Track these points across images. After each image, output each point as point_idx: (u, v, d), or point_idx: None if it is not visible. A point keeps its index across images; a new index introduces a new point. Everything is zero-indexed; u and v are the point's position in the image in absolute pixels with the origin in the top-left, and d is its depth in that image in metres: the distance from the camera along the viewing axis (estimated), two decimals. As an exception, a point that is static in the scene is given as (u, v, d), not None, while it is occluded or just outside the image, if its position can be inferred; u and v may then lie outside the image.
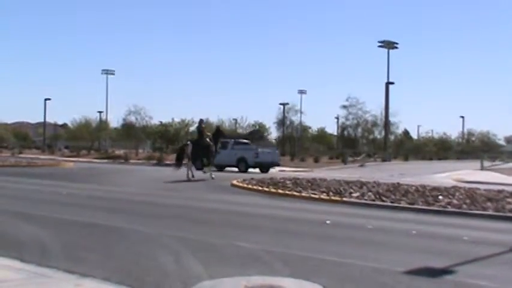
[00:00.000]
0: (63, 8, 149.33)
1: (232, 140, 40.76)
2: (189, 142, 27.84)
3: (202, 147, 27.03)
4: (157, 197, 18.01)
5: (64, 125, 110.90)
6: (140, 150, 78.52)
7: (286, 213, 14.38)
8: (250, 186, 21.31)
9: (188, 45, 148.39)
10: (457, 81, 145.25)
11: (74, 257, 8.31)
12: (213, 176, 26.39)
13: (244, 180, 23.59)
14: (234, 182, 23.02)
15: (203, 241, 9.79)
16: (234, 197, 18.73)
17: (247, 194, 19.52)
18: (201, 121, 30.08)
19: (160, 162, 46.89)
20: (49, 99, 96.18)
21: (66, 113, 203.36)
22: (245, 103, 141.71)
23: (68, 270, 7.38)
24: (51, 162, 45.06)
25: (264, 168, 37.98)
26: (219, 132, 29.38)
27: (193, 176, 26.00)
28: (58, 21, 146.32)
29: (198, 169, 27.93)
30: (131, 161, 53.24)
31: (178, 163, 27.49)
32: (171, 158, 51.50)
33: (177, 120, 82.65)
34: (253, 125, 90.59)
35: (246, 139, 45.33)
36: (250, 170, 36.62)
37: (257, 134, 60.10)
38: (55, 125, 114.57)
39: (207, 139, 27.53)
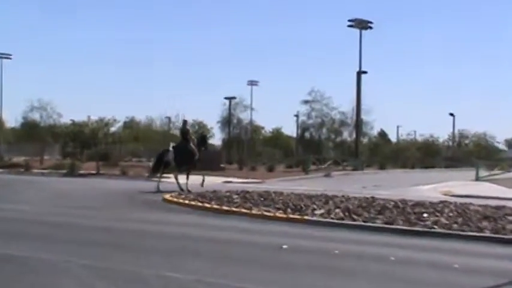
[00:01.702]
0: None
1: None
2: (171, 148, 28.40)
3: (185, 153, 27.74)
4: (69, 217, 17.75)
5: None
6: (46, 157, 77.38)
7: (231, 235, 14.35)
8: (187, 201, 21.23)
9: (109, 25, 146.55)
10: (447, 71, 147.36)
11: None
12: (190, 188, 26.53)
13: (179, 194, 23.49)
14: (167, 196, 22.89)
15: (125, 271, 9.70)
16: (167, 215, 18.62)
17: (183, 212, 19.43)
18: (185, 122, 31.11)
19: (72, 172, 46.24)
20: None
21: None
22: (181, 98, 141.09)
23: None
24: None
25: None
26: (203, 141, 30.04)
27: (182, 190, 26.23)
28: None
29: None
30: (34, 170, 52.33)
31: (154, 169, 29.14)
32: (87, 166, 50.98)
33: (94, 118, 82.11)
34: (191, 125, 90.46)
35: None
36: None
37: None
38: None
39: (192, 144, 28.26)
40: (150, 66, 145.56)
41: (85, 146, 77.87)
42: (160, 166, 28.34)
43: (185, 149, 27.90)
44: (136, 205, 21.67)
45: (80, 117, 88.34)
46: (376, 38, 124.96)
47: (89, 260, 10.55)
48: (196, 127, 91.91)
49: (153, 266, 10.17)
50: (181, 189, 26.17)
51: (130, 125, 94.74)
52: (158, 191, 26.27)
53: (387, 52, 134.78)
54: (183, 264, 10.40)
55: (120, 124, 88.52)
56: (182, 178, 27.28)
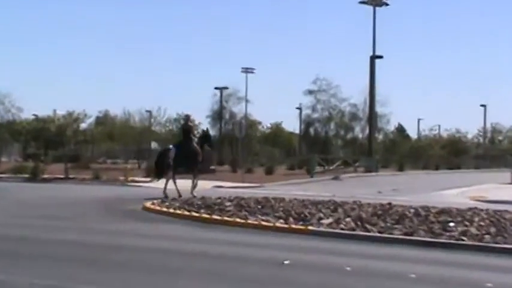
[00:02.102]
0: None
1: None
2: (171, 146, 28.93)
3: (188, 153, 28.01)
4: (33, 230, 17.70)
5: None
6: (4, 159, 77.36)
7: (223, 249, 14.36)
8: (171, 210, 21.25)
9: (75, 6, 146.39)
10: (477, 55, 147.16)
11: None
12: (195, 193, 26.93)
13: (162, 202, 23.48)
14: (148, 204, 22.88)
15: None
16: (148, 226, 18.65)
17: (167, 222, 19.46)
18: (187, 118, 32.14)
19: (35, 177, 46.20)
20: None
21: None
22: (164, 88, 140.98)
23: None
24: None
25: None
26: (206, 138, 30.45)
27: (180, 196, 26.52)
28: None
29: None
30: (-10, 174, 52.37)
31: (158, 172, 29.14)
32: (53, 169, 50.94)
33: (60, 112, 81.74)
34: (175, 119, 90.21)
35: None
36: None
37: None
38: None
39: (194, 143, 28.62)
40: (126, 53, 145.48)
41: (50, 146, 77.70)
42: (163, 167, 28.41)
43: (189, 149, 28.12)
44: (112, 215, 21.66)
45: (44, 111, 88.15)
46: (392, 17, 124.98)
47: (56, 281, 10.54)
48: (183, 122, 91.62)
49: (130, 285, 10.15)
50: (166, 196, 26.25)
51: (103, 120, 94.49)
52: (180, 196, 26.53)
53: (406, 33, 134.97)
54: (166, 284, 10.39)
55: (92, 120, 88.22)
56: (165, 184, 27.46)
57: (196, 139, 29.37)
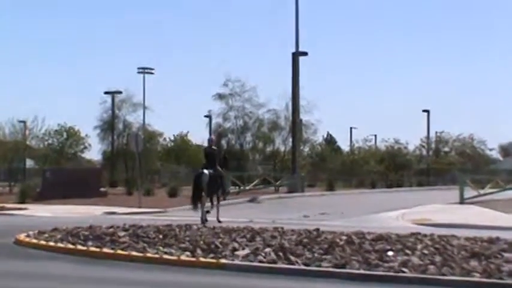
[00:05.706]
0: None
1: None
2: (205, 171, 30.58)
3: (215, 177, 30.40)
4: None
5: None
6: None
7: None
8: (51, 243, 21.02)
9: None
10: (418, 51, 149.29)
11: None
12: (219, 219, 29.99)
13: (40, 232, 23.18)
14: (22, 237, 22.61)
15: None
16: (23, 264, 18.45)
17: (48, 258, 19.26)
18: (211, 141, 34.04)
19: None
20: None
21: None
22: (42, 94, 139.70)
23: None
24: None
25: None
26: (225, 161, 33.45)
27: (206, 220, 29.61)
28: None
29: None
30: None
31: (195, 201, 30.89)
32: None
33: None
34: (56, 131, 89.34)
35: None
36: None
37: None
38: None
39: (218, 166, 31.08)
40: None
41: None
42: (200, 193, 30.43)
43: (217, 172, 30.63)
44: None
45: None
46: (319, 8, 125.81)
47: None
48: (65, 135, 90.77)
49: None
50: (206, 220, 29.24)
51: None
52: (205, 220, 29.12)
53: (336, 25, 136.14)
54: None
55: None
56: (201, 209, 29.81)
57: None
